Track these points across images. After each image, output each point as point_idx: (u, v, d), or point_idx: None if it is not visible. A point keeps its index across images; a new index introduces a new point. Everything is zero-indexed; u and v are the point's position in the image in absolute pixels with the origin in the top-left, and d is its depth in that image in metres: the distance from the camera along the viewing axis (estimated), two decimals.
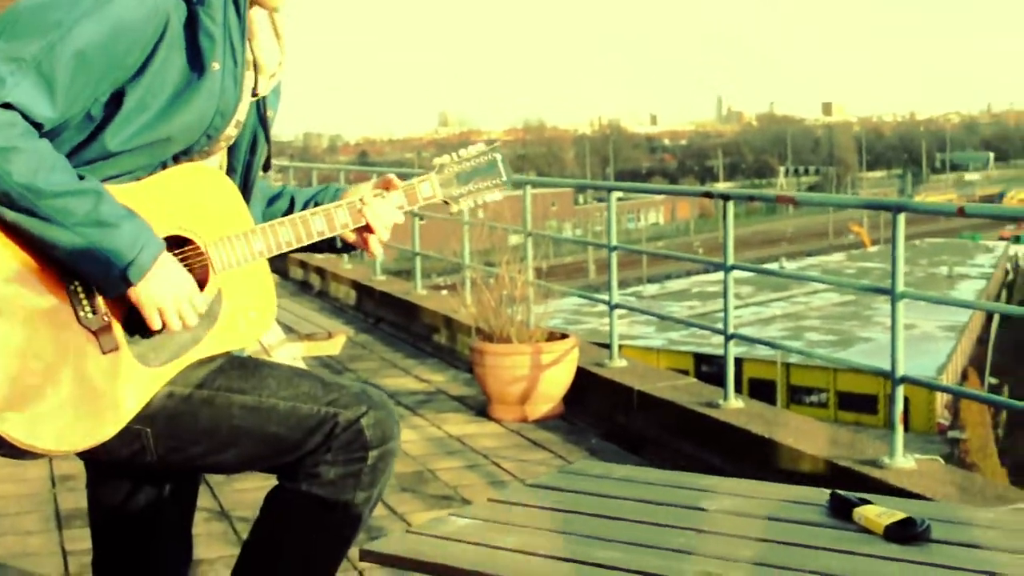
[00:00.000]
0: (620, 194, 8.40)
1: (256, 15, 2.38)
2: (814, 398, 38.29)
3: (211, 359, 2.38)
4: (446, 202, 2.62)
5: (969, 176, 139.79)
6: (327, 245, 2.52)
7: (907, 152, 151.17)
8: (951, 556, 2.49)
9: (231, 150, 2.47)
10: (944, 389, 29.50)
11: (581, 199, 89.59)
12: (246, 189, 2.49)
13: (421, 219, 10.82)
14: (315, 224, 2.43)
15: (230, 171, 2.48)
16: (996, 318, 49.35)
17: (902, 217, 5.04)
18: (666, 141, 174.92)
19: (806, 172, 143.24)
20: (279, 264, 13.16)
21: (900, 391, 5.02)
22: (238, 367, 2.44)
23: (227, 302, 2.35)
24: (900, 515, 2.68)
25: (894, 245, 5.05)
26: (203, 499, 4.80)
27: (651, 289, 55.26)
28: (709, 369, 32.03)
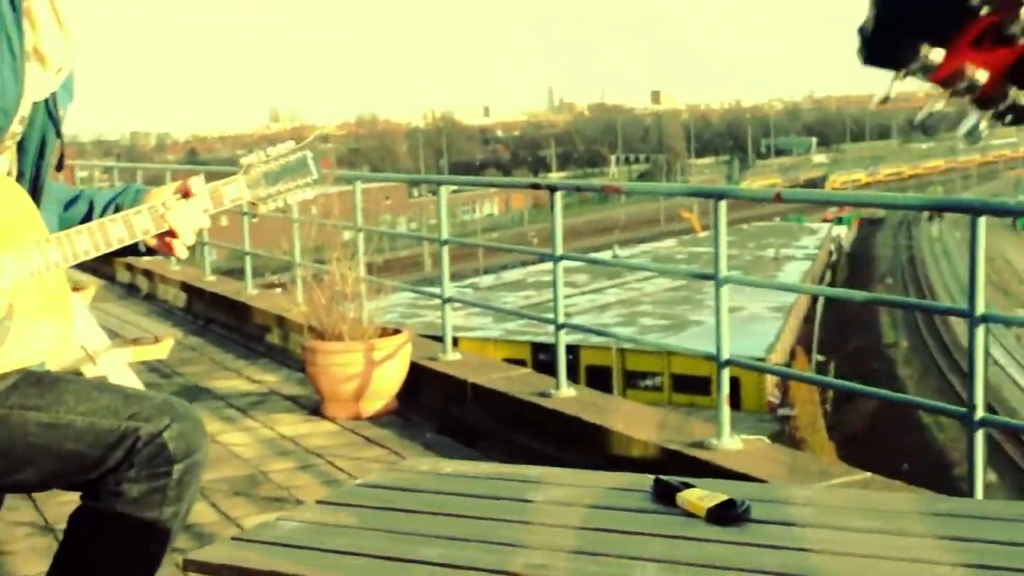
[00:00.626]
0: (453, 187, 8.40)
1: (35, 3, 2.26)
2: (649, 382, 39.04)
3: (4, 376, 2.28)
4: (253, 203, 2.55)
5: (792, 160, 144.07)
6: (128, 249, 2.43)
7: (733, 139, 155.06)
8: (769, 535, 2.56)
9: (19, 152, 2.36)
10: (766, 370, 30.36)
11: (416, 192, 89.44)
12: (36, 193, 2.37)
13: (253, 217, 10.65)
14: (114, 231, 2.32)
15: (19, 175, 2.37)
16: (822, 298, 51.01)
17: (723, 204, 5.15)
18: (499, 132, 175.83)
19: (637, 160, 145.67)
20: (104, 268, 12.80)
21: (725, 374, 5.14)
22: (34, 383, 2.34)
23: (19, 317, 2.24)
24: (721, 497, 2.74)
25: (716, 231, 5.16)
26: (25, 513, 4.65)
27: (487, 280, 55.57)
28: (546, 358, 32.35)
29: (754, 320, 40.32)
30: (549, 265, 6.20)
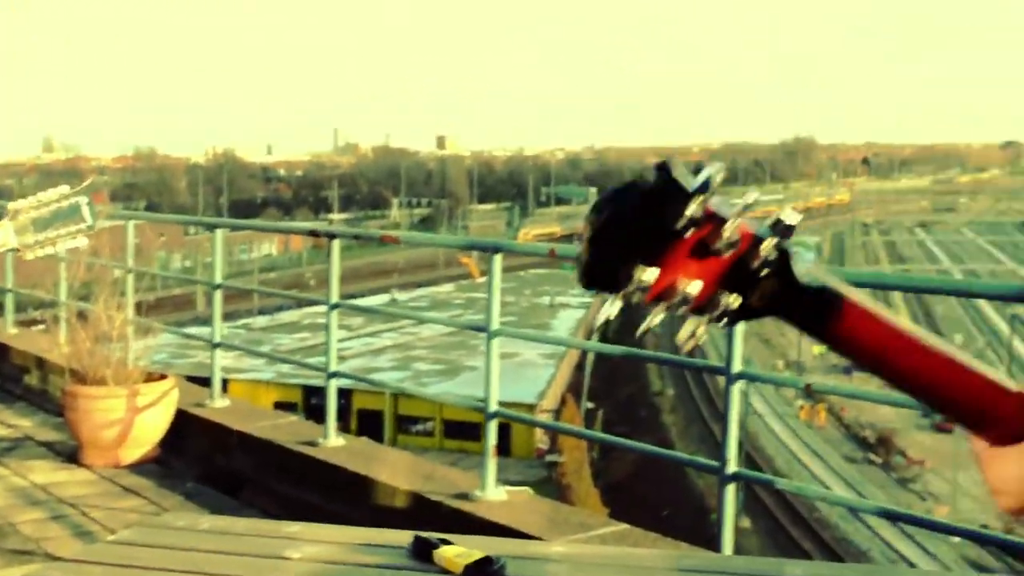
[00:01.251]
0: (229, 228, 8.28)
1: None
2: (421, 427, 39.11)
3: None
4: (18, 250, 2.48)
5: (571, 209, 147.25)
6: None
7: (516, 186, 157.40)
8: None
9: None
10: (530, 422, 30.82)
11: (192, 229, 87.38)
12: None
13: (16, 251, 10.22)
14: None
15: None
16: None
17: (498, 257, 5.26)
18: (282, 171, 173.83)
19: (419, 204, 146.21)
20: None
21: (492, 426, 5.22)
22: None
23: None
24: (478, 555, 2.78)
25: (490, 284, 5.26)
26: None
27: (261, 321, 54.72)
28: (318, 401, 32.02)
29: (527, 366, 40.91)
30: (324, 308, 6.18)
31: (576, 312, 57.42)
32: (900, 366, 1.12)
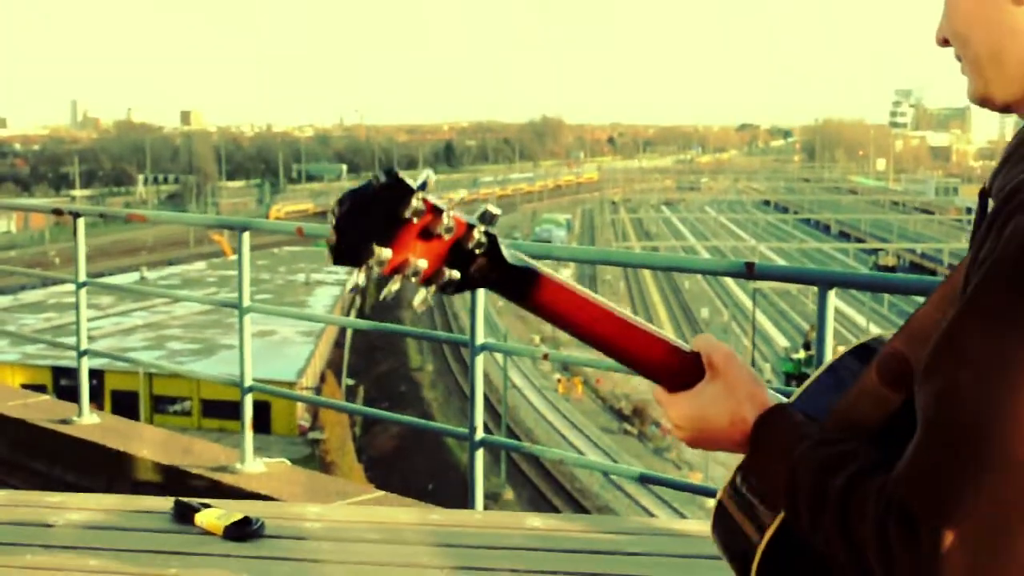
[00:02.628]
0: None
1: None
2: (178, 407, 38.33)
3: None
4: None
5: (323, 186, 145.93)
6: None
7: (265, 162, 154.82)
8: (282, 548, 2.78)
9: None
10: (286, 396, 30.62)
11: None
12: None
13: None
14: None
15: None
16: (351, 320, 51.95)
17: (247, 235, 5.34)
18: (17, 146, 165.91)
19: (165, 180, 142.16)
20: None
21: (248, 400, 5.33)
22: None
23: None
24: (237, 516, 2.93)
25: (240, 262, 5.33)
26: None
27: (4, 301, 52.36)
28: (69, 383, 31.01)
29: (285, 344, 40.58)
30: (71, 286, 6.12)
31: (332, 289, 57.19)
32: (590, 330, 1.42)
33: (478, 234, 1.33)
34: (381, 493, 4.95)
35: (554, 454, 5.58)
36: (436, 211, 1.30)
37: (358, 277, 1.33)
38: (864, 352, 1.46)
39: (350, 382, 46.63)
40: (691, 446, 1.48)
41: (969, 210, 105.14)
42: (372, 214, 1.29)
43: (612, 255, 5.42)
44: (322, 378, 43.18)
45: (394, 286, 1.35)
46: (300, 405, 37.07)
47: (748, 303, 60.76)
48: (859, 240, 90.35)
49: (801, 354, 52.23)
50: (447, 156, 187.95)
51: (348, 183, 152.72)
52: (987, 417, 1.12)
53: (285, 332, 42.00)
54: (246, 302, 5.32)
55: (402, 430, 38.98)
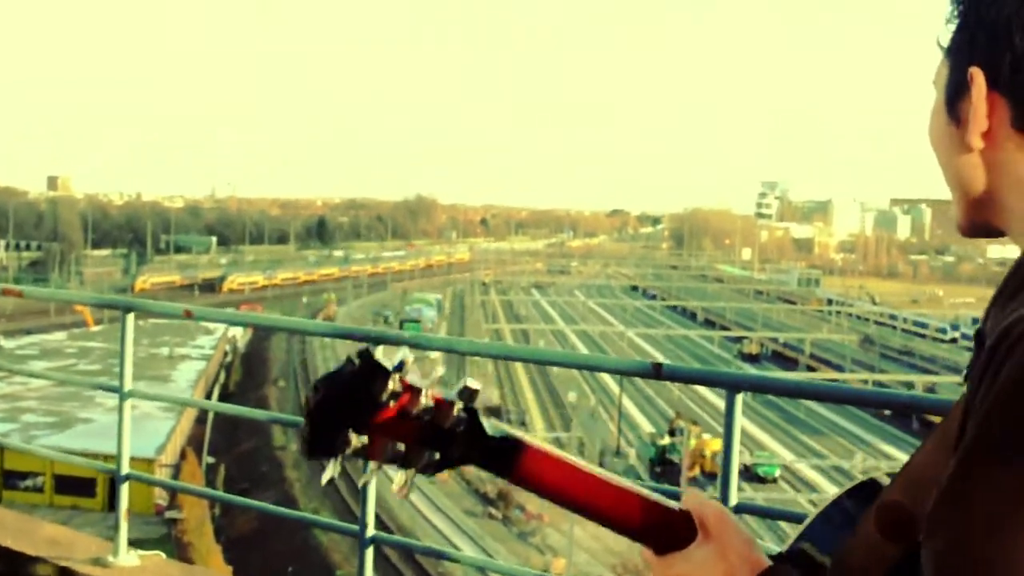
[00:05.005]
0: None
1: None
2: (30, 482, 36.98)
3: None
4: None
5: (192, 258, 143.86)
6: None
7: (133, 232, 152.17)
8: None
9: None
10: (168, 486, 29.89)
11: None
12: None
13: None
14: None
15: None
16: (215, 398, 51.11)
17: (131, 317, 5.15)
18: None
19: (28, 247, 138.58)
20: None
21: (124, 489, 5.10)
22: None
23: None
24: None
25: (122, 344, 5.13)
26: None
27: None
28: None
29: (145, 419, 39.52)
30: None
31: (197, 364, 56.20)
32: (578, 500, 1.37)
33: (457, 411, 1.29)
34: None
35: (454, 556, 5.44)
36: (414, 391, 1.26)
37: (333, 469, 1.29)
38: (860, 493, 1.44)
39: (211, 460, 45.65)
40: None
41: (830, 301, 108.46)
42: (348, 400, 1.24)
43: (526, 352, 5.35)
44: (182, 455, 42.16)
45: (334, 469, 1.29)
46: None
47: (615, 388, 61.29)
48: (724, 328, 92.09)
49: (666, 440, 52.81)
50: (319, 232, 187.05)
51: (217, 256, 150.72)
52: (995, 571, 1.08)
53: (145, 407, 40.96)
54: (128, 386, 5.12)
55: (261, 512, 38.14)
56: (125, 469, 5.12)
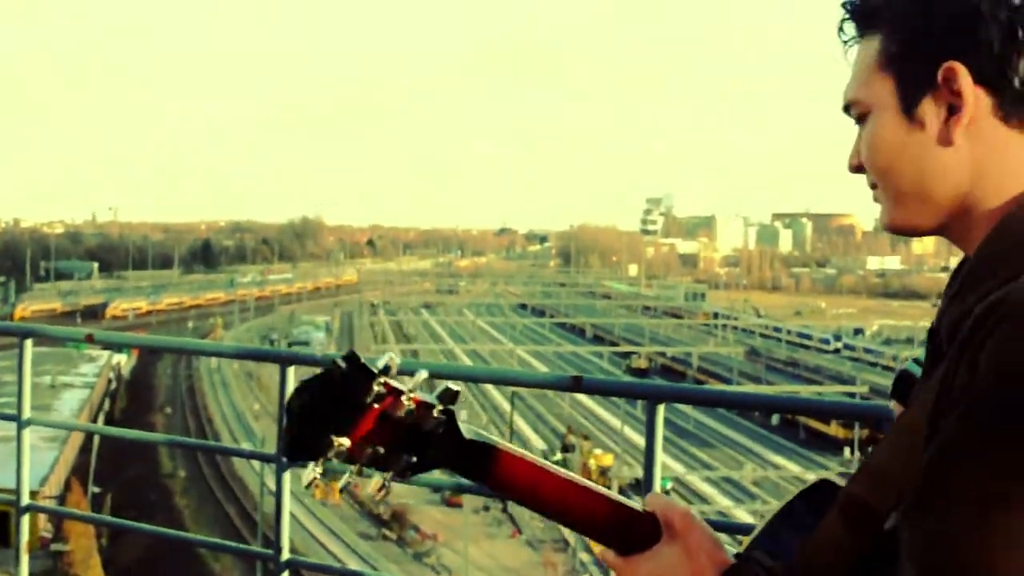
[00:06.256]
0: None
1: None
2: None
3: None
4: None
5: (73, 284, 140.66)
6: None
7: (11, 259, 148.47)
8: None
9: None
10: (61, 513, 29.16)
11: None
12: None
13: None
14: None
15: None
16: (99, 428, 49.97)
17: (29, 343, 5.03)
18: None
19: None
20: None
21: (25, 521, 4.99)
22: None
23: None
24: None
25: (20, 371, 5.03)
26: None
27: None
28: None
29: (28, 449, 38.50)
30: None
31: (80, 392, 54.99)
32: (552, 503, 1.39)
33: (437, 413, 1.30)
34: None
35: None
36: (396, 393, 1.28)
37: (315, 471, 1.30)
38: (813, 495, 1.46)
39: (96, 490, 44.66)
40: None
41: (716, 315, 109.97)
42: (332, 403, 1.26)
43: (440, 368, 5.33)
44: (67, 486, 41.12)
45: (317, 470, 1.31)
46: (42, 516, 35.13)
47: (506, 406, 61.41)
48: (612, 343, 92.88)
49: (558, 456, 53.08)
50: (204, 255, 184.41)
51: (99, 282, 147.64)
52: (983, 560, 1.11)
53: (28, 437, 39.90)
54: (26, 414, 5.00)
55: (151, 540, 37.42)
56: (26, 500, 5.00)
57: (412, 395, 1.29)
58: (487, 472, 1.36)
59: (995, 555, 1.11)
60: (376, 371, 1.26)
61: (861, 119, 1.41)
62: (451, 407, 1.32)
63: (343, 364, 1.26)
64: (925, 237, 1.44)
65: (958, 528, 1.13)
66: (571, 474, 1.41)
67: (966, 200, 1.34)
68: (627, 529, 1.43)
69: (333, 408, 1.26)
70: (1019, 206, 1.31)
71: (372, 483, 1.34)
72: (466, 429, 1.34)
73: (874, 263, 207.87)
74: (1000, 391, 1.13)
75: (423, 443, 1.31)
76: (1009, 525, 1.10)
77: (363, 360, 1.26)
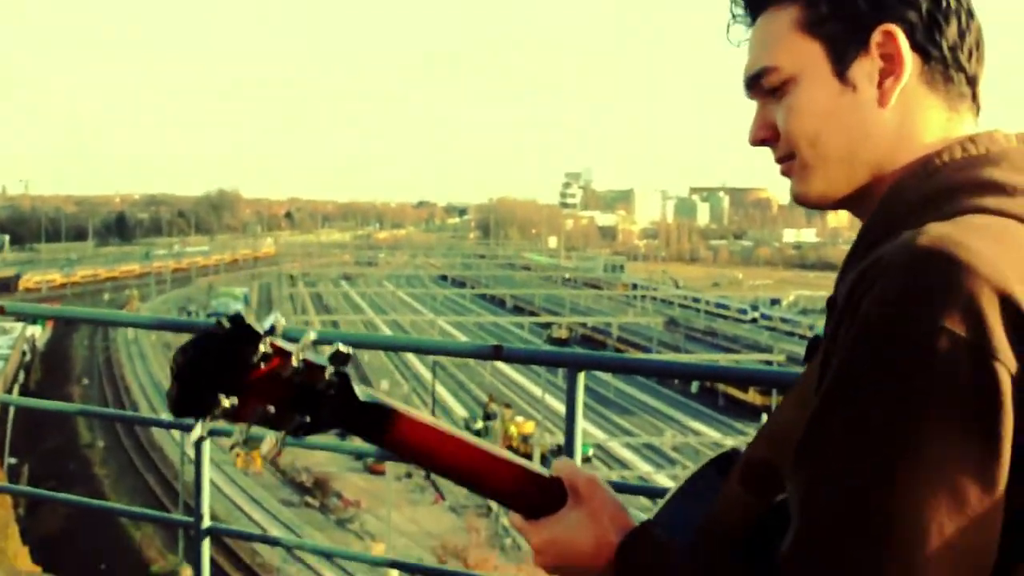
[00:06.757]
0: None
1: None
2: None
3: None
4: None
5: None
6: None
7: None
8: None
9: None
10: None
11: None
12: None
13: None
14: None
15: None
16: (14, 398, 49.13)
17: None
18: None
19: None
20: None
21: None
22: None
23: None
24: None
25: None
26: None
27: None
28: None
29: None
30: None
31: None
32: (450, 465, 1.40)
33: (328, 375, 1.30)
34: None
35: (287, 542, 5.38)
36: (284, 354, 1.28)
37: (202, 429, 1.28)
38: (722, 463, 1.48)
39: (12, 461, 43.96)
40: (554, 573, 1.47)
41: (635, 286, 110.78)
42: (217, 362, 1.25)
43: (362, 338, 5.32)
44: None
45: (240, 435, 1.30)
46: None
47: (428, 375, 61.41)
48: (533, 314, 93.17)
49: (479, 424, 53.25)
50: (119, 228, 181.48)
51: (11, 255, 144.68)
52: (857, 505, 1.15)
53: None
54: None
55: (71, 509, 36.97)
56: None
57: (301, 356, 1.28)
58: (383, 433, 1.35)
59: (868, 498, 1.14)
60: (262, 331, 1.26)
61: (776, 89, 1.41)
62: (342, 369, 1.30)
63: (228, 324, 1.25)
64: (837, 211, 1.46)
65: (833, 476, 1.17)
66: (473, 438, 1.41)
67: (881, 167, 1.37)
68: (533, 493, 1.44)
69: (218, 367, 1.25)
70: (910, 173, 1.35)
71: (265, 442, 1.32)
72: (360, 391, 1.32)
73: (790, 235, 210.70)
74: (868, 343, 1.16)
75: (316, 403, 1.30)
76: (879, 469, 1.14)
77: (248, 321, 1.26)
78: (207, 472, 4.18)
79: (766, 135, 1.43)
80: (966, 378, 1.13)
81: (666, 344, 78.30)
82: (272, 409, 1.28)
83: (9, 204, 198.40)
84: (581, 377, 3.50)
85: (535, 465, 1.45)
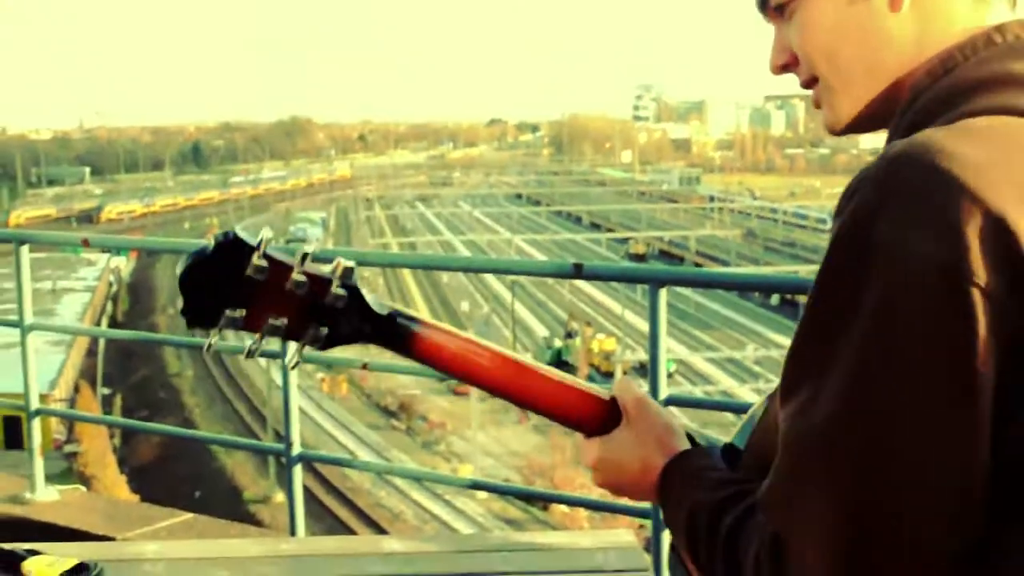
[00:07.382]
0: None
1: None
2: None
3: None
4: None
5: (66, 190, 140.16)
6: None
7: (1, 167, 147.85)
8: None
9: None
10: (70, 416, 29.38)
11: None
12: None
13: None
14: None
15: None
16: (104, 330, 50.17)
17: (25, 248, 4.97)
18: None
19: None
20: None
21: (36, 424, 4.97)
22: None
23: None
24: (72, 562, 2.65)
25: (18, 278, 4.97)
26: None
27: None
28: None
29: (35, 354, 38.62)
30: None
31: (82, 296, 54.98)
32: (481, 375, 1.37)
33: (335, 288, 1.29)
34: (189, 516, 4.67)
35: (375, 467, 5.36)
36: (283, 267, 1.27)
37: (212, 338, 1.32)
38: None
39: (106, 391, 44.99)
40: (612, 492, 1.47)
41: (712, 198, 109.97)
42: (214, 276, 1.27)
43: (439, 260, 5.28)
44: (76, 389, 41.38)
45: (253, 346, 1.32)
46: (54, 419, 35.40)
47: (507, 295, 61.61)
48: (609, 230, 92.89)
49: (558, 343, 53.44)
50: (195, 157, 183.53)
51: (92, 186, 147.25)
52: (832, 430, 1.08)
53: (33, 342, 39.99)
54: (28, 319, 4.94)
55: (164, 438, 37.78)
56: (35, 404, 4.97)
57: (301, 269, 1.28)
58: (411, 344, 1.34)
59: (842, 424, 1.07)
60: (252, 245, 1.26)
61: (783, 7, 1.31)
62: (349, 282, 1.29)
63: (221, 239, 1.27)
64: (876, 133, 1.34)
65: (810, 401, 1.10)
66: (508, 352, 1.40)
67: (909, 75, 1.25)
68: (584, 412, 1.43)
69: (213, 279, 1.27)
70: (926, 73, 1.23)
71: (288, 354, 1.33)
72: (376, 304, 1.32)
73: (867, 142, 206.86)
74: (831, 263, 1.10)
75: (329, 316, 1.30)
76: (843, 401, 1.07)
77: (240, 235, 1.27)
78: (295, 399, 4.22)
79: (786, 59, 1.34)
80: (934, 301, 1.04)
81: (745, 256, 77.71)
82: (284, 321, 1.28)
83: (87, 136, 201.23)
84: (663, 293, 3.49)
85: (586, 384, 1.44)
